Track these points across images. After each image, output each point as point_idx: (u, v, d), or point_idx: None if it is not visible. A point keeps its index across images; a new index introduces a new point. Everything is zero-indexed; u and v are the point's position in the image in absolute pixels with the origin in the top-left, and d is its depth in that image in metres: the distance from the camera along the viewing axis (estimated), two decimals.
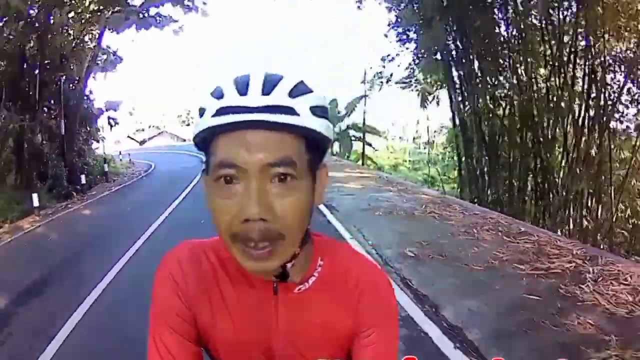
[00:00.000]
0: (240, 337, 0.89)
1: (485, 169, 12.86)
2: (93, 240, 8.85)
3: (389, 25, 16.77)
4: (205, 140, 0.77)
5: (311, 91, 0.77)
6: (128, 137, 55.43)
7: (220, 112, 0.73)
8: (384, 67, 19.13)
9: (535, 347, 3.72)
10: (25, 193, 12.93)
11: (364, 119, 26.80)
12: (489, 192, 12.61)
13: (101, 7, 17.00)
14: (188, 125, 67.69)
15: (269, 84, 0.74)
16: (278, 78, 0.76)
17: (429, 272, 5.60)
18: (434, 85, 18.20)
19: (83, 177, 16.81)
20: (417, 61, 16.86)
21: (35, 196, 12.33)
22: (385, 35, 16.95)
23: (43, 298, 5.78)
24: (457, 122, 14.34)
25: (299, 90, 0.75)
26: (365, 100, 25.55)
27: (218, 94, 0.75)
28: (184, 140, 54.83)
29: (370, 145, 28.59)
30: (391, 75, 19.17)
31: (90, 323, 4.86)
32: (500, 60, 12.31)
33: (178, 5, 17.94)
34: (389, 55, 17.62)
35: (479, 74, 12.78)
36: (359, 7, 16.70)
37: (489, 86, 12.33)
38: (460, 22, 12.40)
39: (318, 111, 0.76)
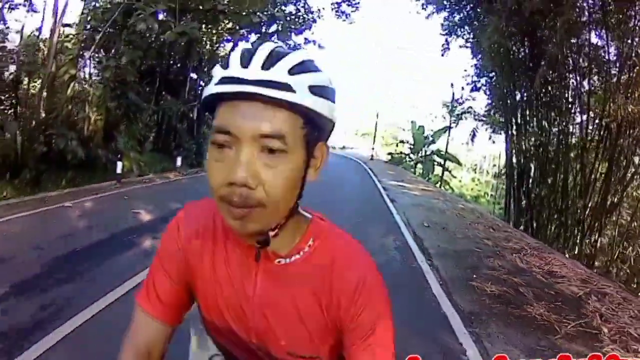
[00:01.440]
0: (220, 295, 0.94)
1: (522, 201, 15.88)
2: None
3: (465, 71, 20.45)
4: (209, 106, 0.81)
5: (315, 71, 0.81)
6: None
7: (223, 81, 0.77)
8: (454, 107, 22.74)
9: (456, 263, 7.26)
10: (162, 156, 17.09)
11: (447, 148, 29.80)
12: (522, 220, 15.58)
13: (236, 27, 21.63)
14: None
15: (271, 60, 0.77)
16: (283, 54, 0.78)
17: (430, 232, 9.32)
18: (497, 126, 20.86)
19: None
20: (486, 105, 20.39)
21: (179, 158, 16.96)
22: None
23: None
24: (504, 161, 17.50)
25: (301, 68, 0.78)
26: (449, 131, 28.59)
27: (225, 64, 0.80)
28: None
29: (449, 171, 31.51)
30: (461, 113, 22.52)
31: None
32: (538, 112, 15.25)
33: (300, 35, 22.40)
34: (461, 97, 21.22)
35: (523, 122, 15.81)
36: (442, 54, 20.22)
37: (528, 133, 15.43)
38: (512, 77, 15.65)
39: (317, 90, 0.79)
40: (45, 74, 12.41)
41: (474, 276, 6.52)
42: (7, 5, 12.04)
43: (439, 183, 29.39)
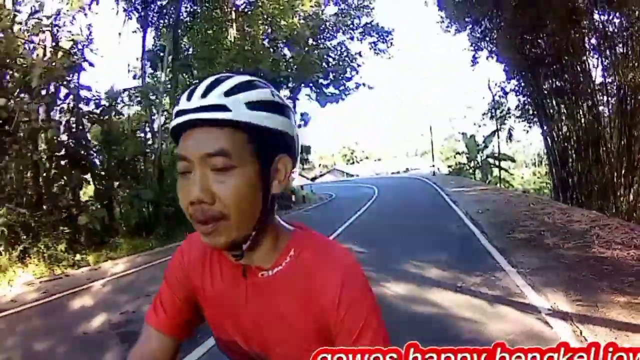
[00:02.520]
0: (222, 312, 1.01)
1: (565, 179, 18.45)
2: (318, 222, 16.10)
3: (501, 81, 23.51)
4: (175, 139, 0.89)
5: (255, 88, 0.87)
6: (299, 174, 64.67)
7: (176, 115, 0.87)
8: (493, 111, 25.77)
9: (499, 228, 10.33)
10: None
11: (499, 150, 32.46)
12: (567, 194, 18.22)
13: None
14: (352, 163, 77.53)
15: (210, 87, 0.85)
16: (222, 81, 0.86)
17: (482, 215, 12.41)
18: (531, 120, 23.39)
19: (293, 197, 25.44)
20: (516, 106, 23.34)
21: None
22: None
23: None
24: (545, 147, 20.19)
25: (238, 89, 0.85)
26: (497, 135, 31.19)
27: (177, 101, 0.88)
28: (352, 176, 62.98)
29: (506, 170, 33.94)
30: (502, 116, 25.34)
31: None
32: (563, 99, 17.86)
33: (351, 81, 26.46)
34: (497, 102, 24.25)
35: (552, 111, 18.50)
36: (472, 67, 23.31)
37: (558, 120, 18.18)
38: (535, 74, 18.54)
39: (255, 106, 0.85)
40: (156, 152, 16.54)
41: (510, 232, 9.67)
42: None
43: (498, 183, 31.84)
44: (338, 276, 0.90)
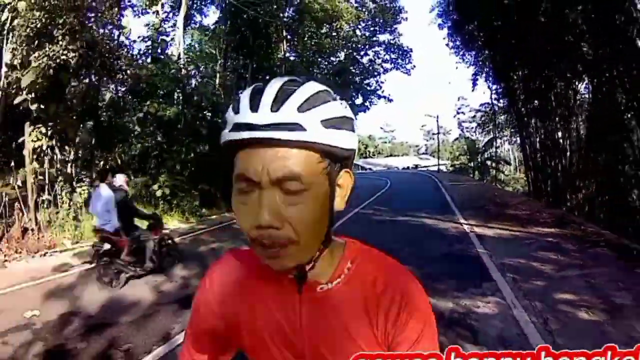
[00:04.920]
0: (267, 336, 0.93)
1: (537, 180, 24.61)
2: (350, 198, 23.36)
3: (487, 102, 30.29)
4: (228, 151, 0.81)
5: (326, 102, 0.80)
6: None
7: (235, 128, 0.78)
8: (487, 122, 32.63)
9: (465, 202, 17.52)
10: None
11: (496, 153, 39.20)
12: (538, 194, 24.59)
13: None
14: (365, 157, 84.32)
15: (280, 99, 0.76)
16: (291, 91, 0.78)
17: (459, 197, 19.44)
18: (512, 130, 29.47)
19: None
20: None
21: None
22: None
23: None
24: (523, 156, 26.68)
25: (311, 103, 0.77)
26: (495, 141, 37.94)
27: (235, 109, 0.80)
28: (365, 169, 68.70)
29: (502, 172, 40.50)
30: (495, 125, 32.13)
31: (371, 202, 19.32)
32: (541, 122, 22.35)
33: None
34: (494, 112, 31.13)
35: (531, 130, 23.44)
36: (473, 89, 29.89)
37: (537, 137, 23.92)
38: (518, 99, 23.81)
39: (330, 123, 0.78)
40: None
41: (470, 203, 16.73)
42: None
43: (494, 182, 38.20)
44: (403, 284, 0.91)
